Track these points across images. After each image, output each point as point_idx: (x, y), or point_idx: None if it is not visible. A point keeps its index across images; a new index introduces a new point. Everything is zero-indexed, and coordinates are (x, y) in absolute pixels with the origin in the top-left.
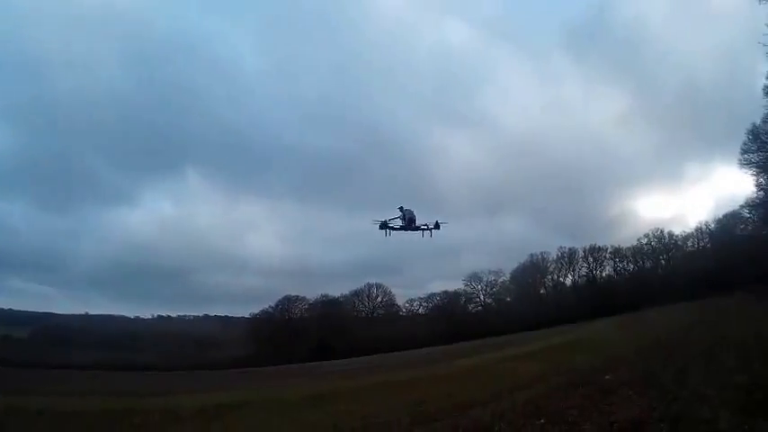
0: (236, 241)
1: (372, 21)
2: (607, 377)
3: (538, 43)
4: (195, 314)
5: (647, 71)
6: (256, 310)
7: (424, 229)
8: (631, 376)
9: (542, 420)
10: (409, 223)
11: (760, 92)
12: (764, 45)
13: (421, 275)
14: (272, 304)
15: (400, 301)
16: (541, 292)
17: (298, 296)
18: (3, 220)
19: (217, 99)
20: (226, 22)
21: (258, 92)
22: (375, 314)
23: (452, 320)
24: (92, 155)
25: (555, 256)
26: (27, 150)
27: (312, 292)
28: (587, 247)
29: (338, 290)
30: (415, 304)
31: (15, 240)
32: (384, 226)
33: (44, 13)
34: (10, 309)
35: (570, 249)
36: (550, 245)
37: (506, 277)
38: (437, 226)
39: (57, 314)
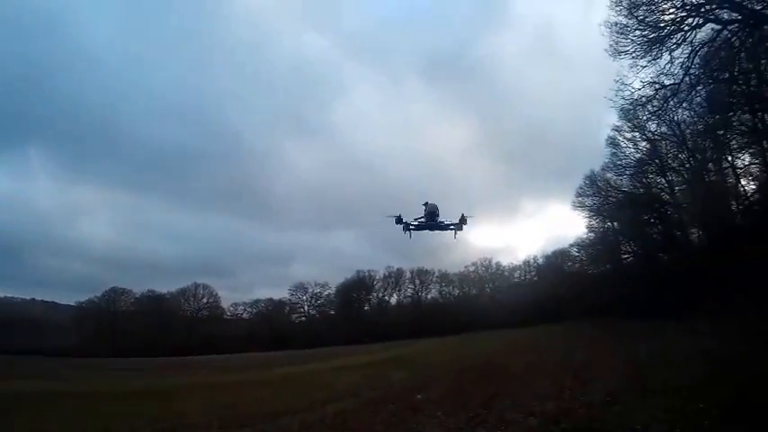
0: (70, 225)
1: (233, 20)
2: (419, 396)
3: (394, 66)
4: (22, 297)
5: (497, 108)
6: (83, 298)
7: (449, 228)
8: (443, 397)
9: None
10: (430, 218)
11: (603, 142)
12: (610, 99)
13: (249, 280)
14: (99, 294)
15: (226, 303)
16: (366, 308)
17: (124, 289)
18: None
19: (69, 80)
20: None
21: (112, 78)
22: (200, 314)
23: (275, 328)
24: None
25: (382, 275)
26: None
27: (139, 286)
28: (415, 269)
29: (165, 286)
30: (239, 308)
31: None
32: (400, 221)
33: None
34: None
35: (398, 270)
36: (379, 263)
37: (332, 290)
38: (463, 220)
39: None
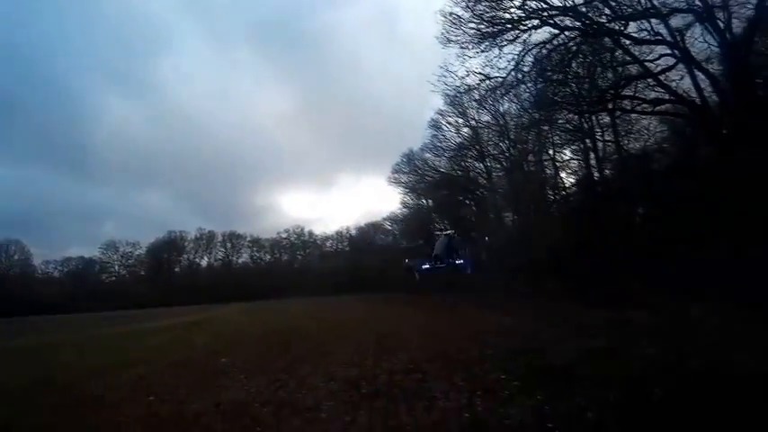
0: None
1: None
2: (223, 360)
3: (223, 27)
4: None
5: (326, 81)
6: None
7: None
8: (247, 361)
9: (152, 397)
10: (447, 256)
11: (426, 123)
12: (434, 84)
13: (64, 238)
14: None
15: (37, 261)
16: (176, 270)
17: None
18: None
19: None
20: None
21: None
22: (11, 272)
23: (86, 288)
24: None
25: (194, 236)
26: None
27: None
28: (227, 232)
29: None
30: (50, 267)
31: None
32: (410, 270)
33: None
34: None
35: (210, 232)
36: (192, 224)
37: (143, 250)
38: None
39: None
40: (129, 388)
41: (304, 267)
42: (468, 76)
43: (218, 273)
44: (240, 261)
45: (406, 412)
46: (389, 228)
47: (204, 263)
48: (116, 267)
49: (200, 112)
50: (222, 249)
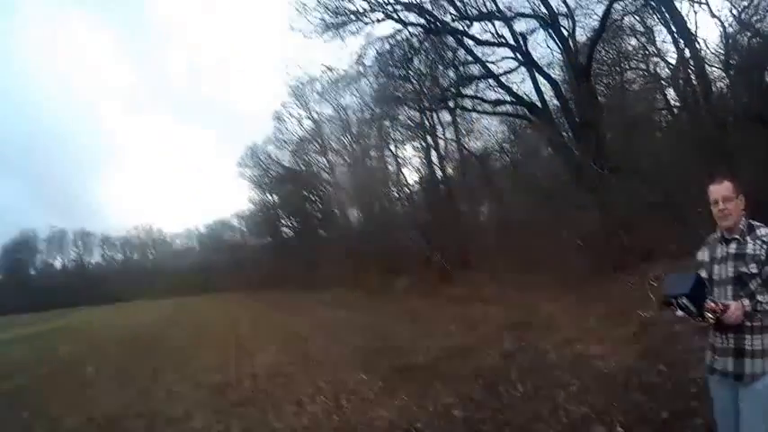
0: None
1: None
2: (89, 369)
3: None
4: None
5: (152, 50)
6: None
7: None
8: (111, 370)
9: (25, 414)
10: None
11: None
12: (278, 73)
13: None
14: None
15: None
16: (32, 272)
17: None
18: None
19: None
20: None
21: None
22: None
23: None
24: None
25: (46, 235)
26: None
27: None
28: (78, 230)
29: None
30: None
31: None
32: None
33: None
34: None
35: (61, 230)
36: (44, 221)
37: None
38: None
39: None
40: (4, 404)
41: (156, 267)
42: (310, 66)
43: (72, 274)
44: (93, 261)
45: (276, 419)
46: (237, 225)
47: (58, 264)
48: None
49: (25, 91)
50: (75, 249)
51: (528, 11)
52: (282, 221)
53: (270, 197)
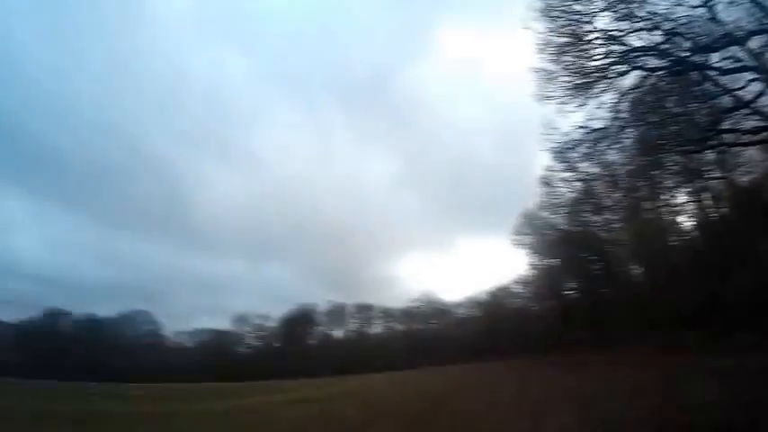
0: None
1: (145, 27)
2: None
3: (312, 93)
4: None
5: (424, 139)
6: (22, 316)
7: None
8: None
9: None
10: None
11: (535, 174)
12: (538, 142)
13: (185, 308)
14: (38, 314)
15: (166, 331)
16: (311, 342)
17: (63, 310)
18: None
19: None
20: None
21: (30, 84)
22: (142, 341)
23: (220, 359)
24: None
25: (325, 309)
26: None
27: (76, 307)
28: (357, 303)
29: (102, 309)
30: (182, 337)
31: None
32: None
33: None
34: None
35: (340, 304)
36: (316, 296)
37: (274, 323)
38: None
39: None
40: None
41: (438, 336)
42: (572, 131)
43: (352, 344)
44: (373, 332)
45: None
46: (519, 290)
47: (338, 334)
48: (249, 339)
49: (302, 179)
50: (354, 321)
51: (755, 26)
52: (565, 283)
53: (549, 260)
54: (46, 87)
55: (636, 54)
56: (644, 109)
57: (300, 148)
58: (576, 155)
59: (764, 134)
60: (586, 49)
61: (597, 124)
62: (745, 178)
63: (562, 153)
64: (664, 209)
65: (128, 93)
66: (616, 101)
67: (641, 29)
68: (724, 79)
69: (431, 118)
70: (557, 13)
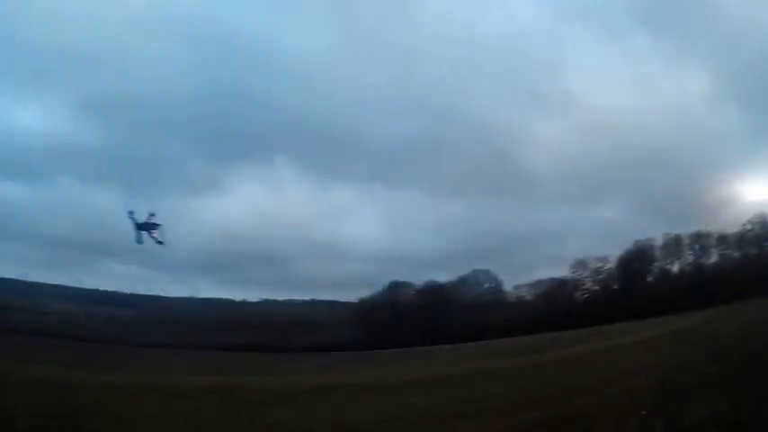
0: (333, 227)
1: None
2: (710, 370)
3: (612, 19)
4: (302, 298)
5: (730, 42)
6: (363, 295)
7: None
8: (736, 370)
9: (644, 412)
10: None
11: None
12: None
13: (525, 262)
14: (379, 290)
15: (506, 287)
16: (648, 279)
17: (404, 282)
18: (96, 208)
19: (291, 92)
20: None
21: (331, 77)
22: (482, 300)
23: (561, 307)
24: (175, 145)
25: (660, 243)
26: (111, 142)
27: (416, 279)
28: (693, 233)
29: (442, 276)
30: (522, 291)
31: (109, 226)
32: None
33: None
34: (115, 291)
35: (676, 236)
36: (651, 230)
37: (612, 264)
38: None
39: (163, 296)
40: (620, 403)
41: None
42: None
43: (688, 279)
44: (710, 262)
45: None
46: None
47: (675, 269)
48: (588, 284)
49: (618, 110)
50: (690, 252)
51: None
52: None
53: None
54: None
55: None
56: None
57: (609, 78)
58: None
59: None
60: None
61: None
62: None
63: None
64: None
65: (425, 64)
66: None
67: None
68: None
69: (731, 19)
70: None
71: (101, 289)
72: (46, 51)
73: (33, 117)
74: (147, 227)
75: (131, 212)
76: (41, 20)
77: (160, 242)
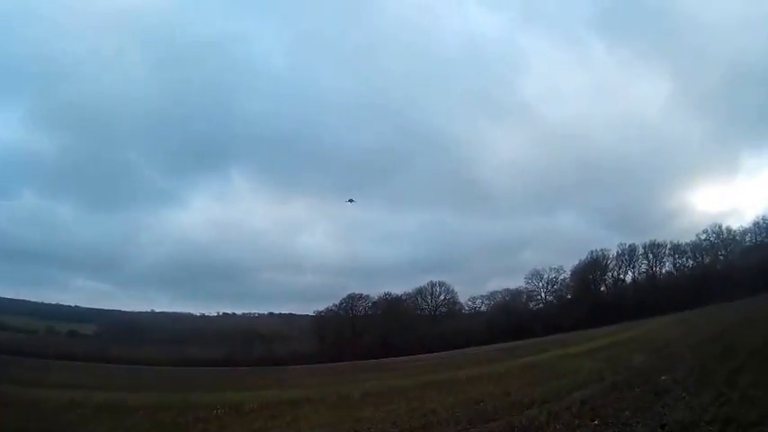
0: (290, 240)
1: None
2: (663, 377)
3: (568, 27)
4: (260, 311)
5: (687, 52)
6: (320, 307)
7: None
8: (686, 376)
9: (596, 422)
10: None
11: None
12: None
13: (481, 273)
14: (336, 302)
15: (462, 298)
16: (602, 289)
17: (361, 294)
18: (55, 220)
19: (250, 101)
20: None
21: (289, 86)
22: (438, 312)
23: (514, 318)
24: (134, 157)
25: (615, 253)
26: (70, 153)
27: (373, 291)
28: (647, 243)
29: (398, 288)
30: (477, 302)
31: (70, 240)
32: None
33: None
34: (75, 305)
35: (630, 246)
36: (606, 241)
37: (567, 274)
38: None
39: (123, 311)
40: (573, 413)
41: (726, 269)
42: None
43: (642, 287)
44: (663, 271)
45: None
46: None
47: (629, 278)
48: (542, 294)
49: (575, 118)
50: (645, 261)
51: None
52: None
53: None
54: (305, 92)
55: None
56: None
57: (565, 86)
58: None
59: None
60: None
61: None
62: None
63: None
64: None
65: (381, 73)
66: None
67: None
68: None
69: (690, 26)
70: None
71: (62, 304)
72: (3, 63)
73: None
74: None
75: None
76: None
77: None
